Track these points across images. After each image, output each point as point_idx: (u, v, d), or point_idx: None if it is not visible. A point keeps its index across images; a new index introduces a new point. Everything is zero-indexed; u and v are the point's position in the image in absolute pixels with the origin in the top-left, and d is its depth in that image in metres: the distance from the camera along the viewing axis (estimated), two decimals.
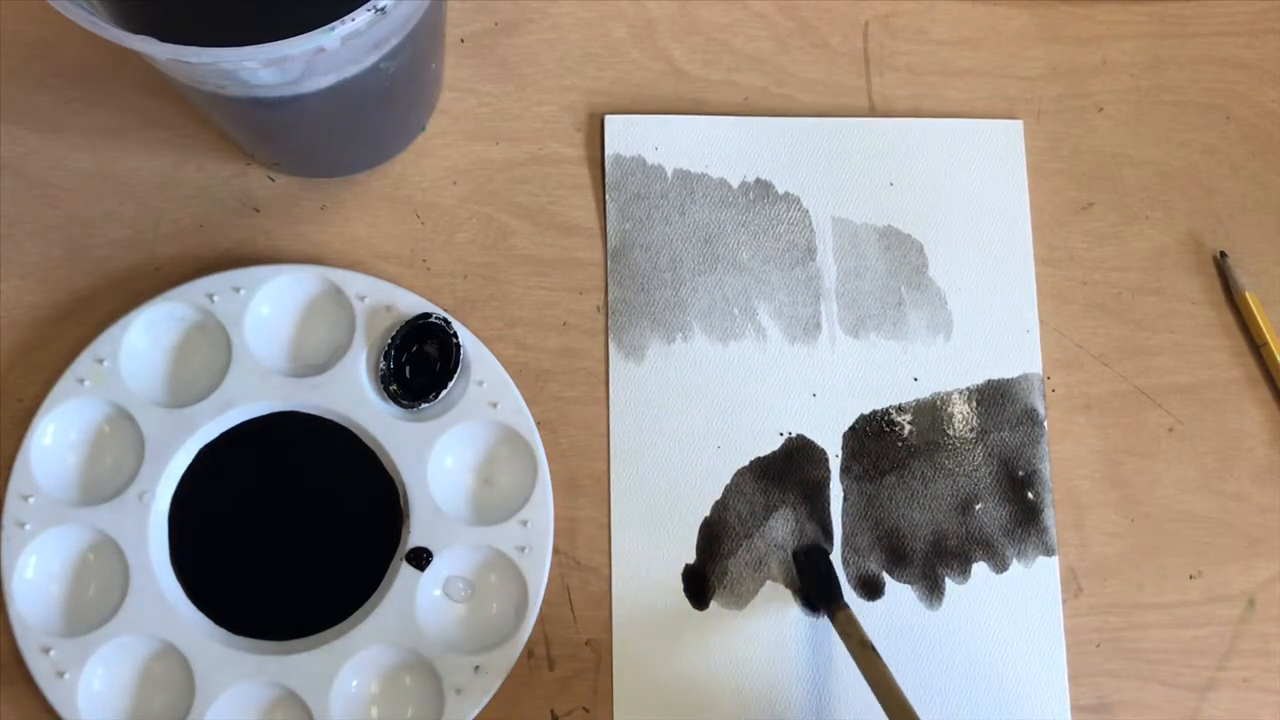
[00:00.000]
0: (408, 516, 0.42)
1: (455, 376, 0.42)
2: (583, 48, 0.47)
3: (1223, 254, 0.47)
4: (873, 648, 0.39)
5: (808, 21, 0.48)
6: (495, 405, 0.42)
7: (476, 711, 0.40)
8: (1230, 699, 0.43)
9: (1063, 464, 0.45)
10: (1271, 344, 0.46)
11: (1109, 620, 0.44)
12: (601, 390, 0.44)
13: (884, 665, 0.39)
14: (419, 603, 0.41)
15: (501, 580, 0.42)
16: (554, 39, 0.47)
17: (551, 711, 0.42)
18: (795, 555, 0.43)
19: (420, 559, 0.41)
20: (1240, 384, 0.46)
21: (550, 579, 0.42)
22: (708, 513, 0.44)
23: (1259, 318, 0.46)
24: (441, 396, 0.42)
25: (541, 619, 0.42)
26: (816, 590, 0.43)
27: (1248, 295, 0.46)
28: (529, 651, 0.42)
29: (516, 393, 0.43)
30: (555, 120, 0.46)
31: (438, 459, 0.42)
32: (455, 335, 0.42)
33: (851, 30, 0.48)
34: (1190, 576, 0.44)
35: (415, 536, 0.41)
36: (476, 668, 0.40)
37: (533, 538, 0.42)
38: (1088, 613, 0.44)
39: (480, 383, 0.43)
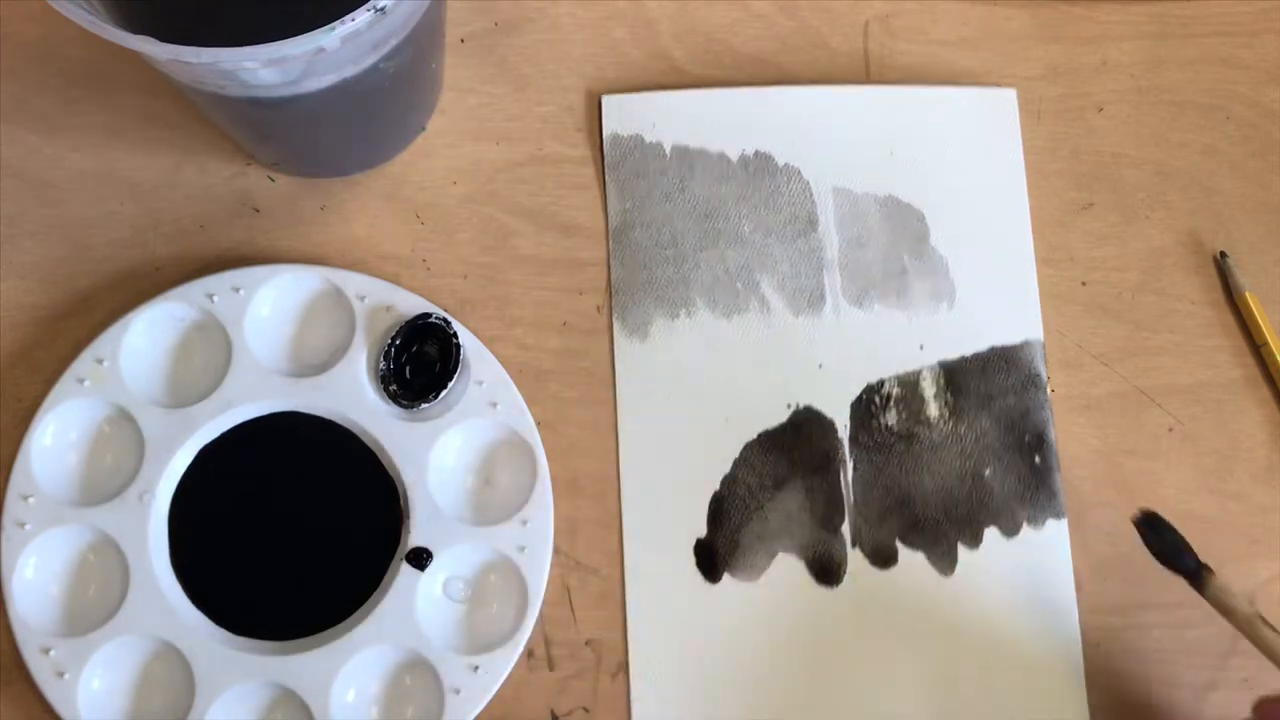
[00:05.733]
0: (408, 516, 0.42)
1: (455, 376, 0.42)
2: (583, 48, 0.47)
3: (1223, 254, 0.47)
4: (1260, 616, 0.39)
5: (808, 21, 0.48)
6: (495, 405, 0.42)
7: (476, 711, 0.40)
8: (1230, 699, 0.43)
9: (1063, 464, 0.45)
10: (1271, 344, 0.46)
11: (1109, 620, 0.44)
12: (602, 390, 0.44)
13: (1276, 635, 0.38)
14: (419, 603, 0.41)
15: (501, 580, 0.42)
16: (554, 39, 0.47)
17: (551, 711, 0.42)
18: (1137, 525, 0.41)
19: (420, 559, 0.41)
20: (1240, 384, 0.46)
21: (550, 579, 0.42)
22: (717, 486, 0.44)
23: (1259, 318, 0.46)
24: (441, 396, 0.42)
25: (541, 619, 0.42)
26: (1173, 558, 0.40)
27: (1248, 295, 0.46)
28: (529, 651, 0.42)
29: (516, 393, 0.43)
30: (555, 120, 0.46)
31: (438, 459, 0.42)
32: (455, 335, 0.42)
33: (851, 30, 0.48)
34: None
35: (415, 536, 0.41)
36: (476, 668, 0.40)
37: (533, 538, 0.42)
38: (1088, 613, 0.44)
39: (480, 383, 0.43)
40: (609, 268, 0.45)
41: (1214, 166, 0.48)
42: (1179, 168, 0.48)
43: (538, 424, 0.43)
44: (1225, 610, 0.40)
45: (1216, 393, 0.46)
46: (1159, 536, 0.41)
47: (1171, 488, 0.45)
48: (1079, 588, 0.44)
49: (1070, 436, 0.45)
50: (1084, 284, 0.47)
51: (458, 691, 0.40)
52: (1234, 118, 0.48)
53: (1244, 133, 0.48)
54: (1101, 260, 0.47)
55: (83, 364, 0.42)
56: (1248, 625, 0.39)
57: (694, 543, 0.43)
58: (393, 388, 0.42)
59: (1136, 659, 0.43)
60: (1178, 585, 0.44)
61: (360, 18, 0.30)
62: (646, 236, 0.45)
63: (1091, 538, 0.44)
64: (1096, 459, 0.45)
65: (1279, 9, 0.49)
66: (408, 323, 0.42)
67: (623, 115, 0.46)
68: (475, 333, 0.44)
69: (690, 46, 0.47)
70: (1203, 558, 0.44)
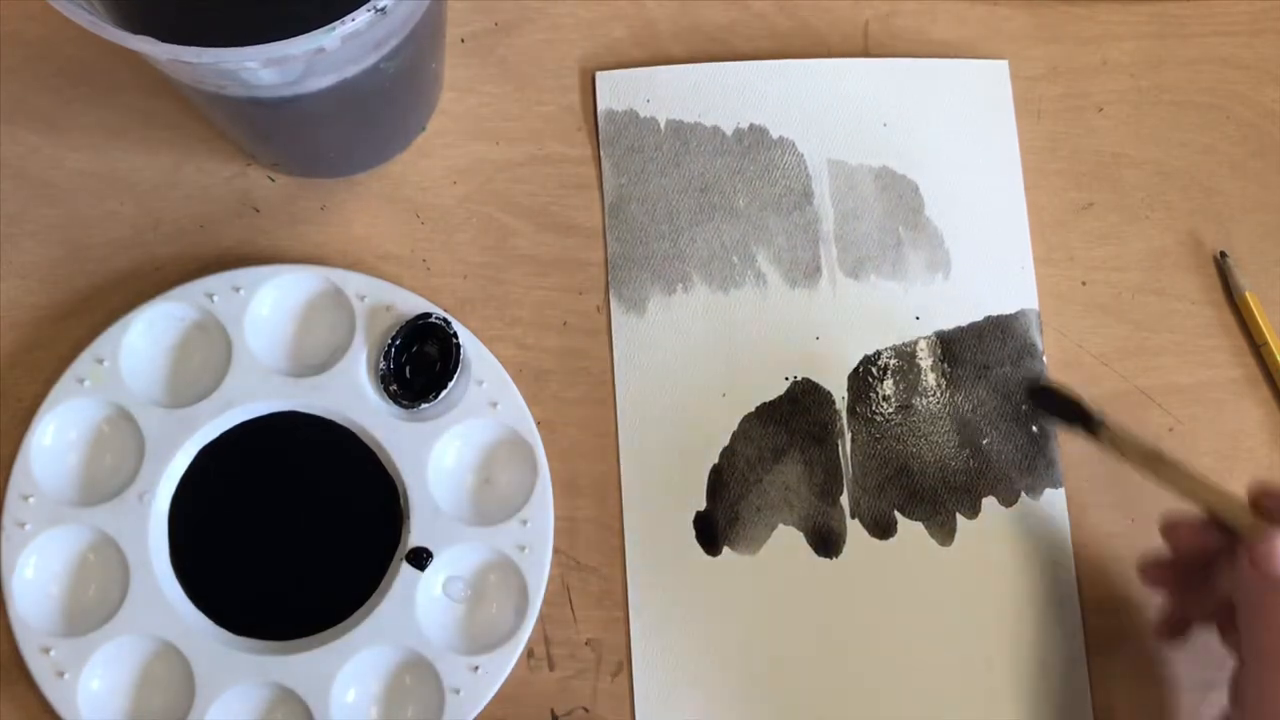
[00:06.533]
0: (408, 516, 0.42)
1: (455, 376, 0.42)
2: (583, 47, 0.47)
3: (1223, 254, 0.47)
4: (1159, 454, 0.40)
5: (807, 21, 0.48)
6: (495, 405, 0.42)
7: (476, 711, 0.40)
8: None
9: (1063, 465, 0.45)
10: (1271, 344, 0.46)
11: (1109, 621, 0.44)
12: (602, 390, 0.44)
13: (1181, 466, 0.39)
14: (419, 603, 0.41)
15: (501, 580, 0.42)
16: (554, 39, 0.47)
17: (551, 711, 0.42)
18: (1030, 394, 0.43)
19: (420, 559, 0.41)
20: (1240, 384, 0.46)
21: (550, 579, 0.42)
22: (715, 459, 0.44)
23: (1259, 318, 0.46)
24: (441, 396, 0.42)
25: (541, 619, 0.42)
26: (1069, 419, 0.42)
27: (1248, 295, 0.46)
28: (529, 651, 0.42)
29: (516, 393, 0.43)
30: (555, 120, 0.46)
31: (438, 459, 0.42)
32: (455, 335, 0.42)
33: (851, 30, 0.48)
34: None
35: (415, 536, 0.41)
36: (476, 668, 0.40)
37: (533, 538, 0.42)
38: (1088, 613, 0.43)
39: (480, 383, 0.43)
40: (606, 244, 0.45)
41: (1214, 166, 0.48)
42: (1179, 168, 0.48)
43: (538, 424, 0.43)
44: (1127, 450, 0.41)
45: (1216, 393, 0.46)
46: (1055, 401, 0.42)
47: None
48: (1080, 589, 0.44)
49: (1070, 437, 0.45)
50: (1084, 284, 0.47)
51: (458, 691, 0.40)
52: (1234, 118, 0.48)
53: (1244, 133, 0.48)
54: (1101, 260, 0.47)
55: (83, 364, 0.42)
56: (1152, 460, 0.40)
57: (694, 516, 0.43)
58: (393, 388, 0.42)
59: (1136, 659, 0.43)
60: None
61: (360, 18, 0.30)
62: (642, 211, 0.46)
63: (1091, 538, 0.44)
64: (1096, 459, 0.45)
65: (1279, 9, 0.49)
66: (408, 323, 0.42)
67: (616, 91, 0.46)
68: (475, 333, 0.44)
69: (690, 46, 0.47)
70: None
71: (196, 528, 0.42)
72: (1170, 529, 0.40)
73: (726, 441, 0.44)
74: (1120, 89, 0.48)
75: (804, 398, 0.45)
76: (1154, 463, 0.40)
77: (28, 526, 0.41)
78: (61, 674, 0.40)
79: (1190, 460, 0.45)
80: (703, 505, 0.44)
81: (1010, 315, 0.46)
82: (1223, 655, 0.40)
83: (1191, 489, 0.39)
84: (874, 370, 0.45)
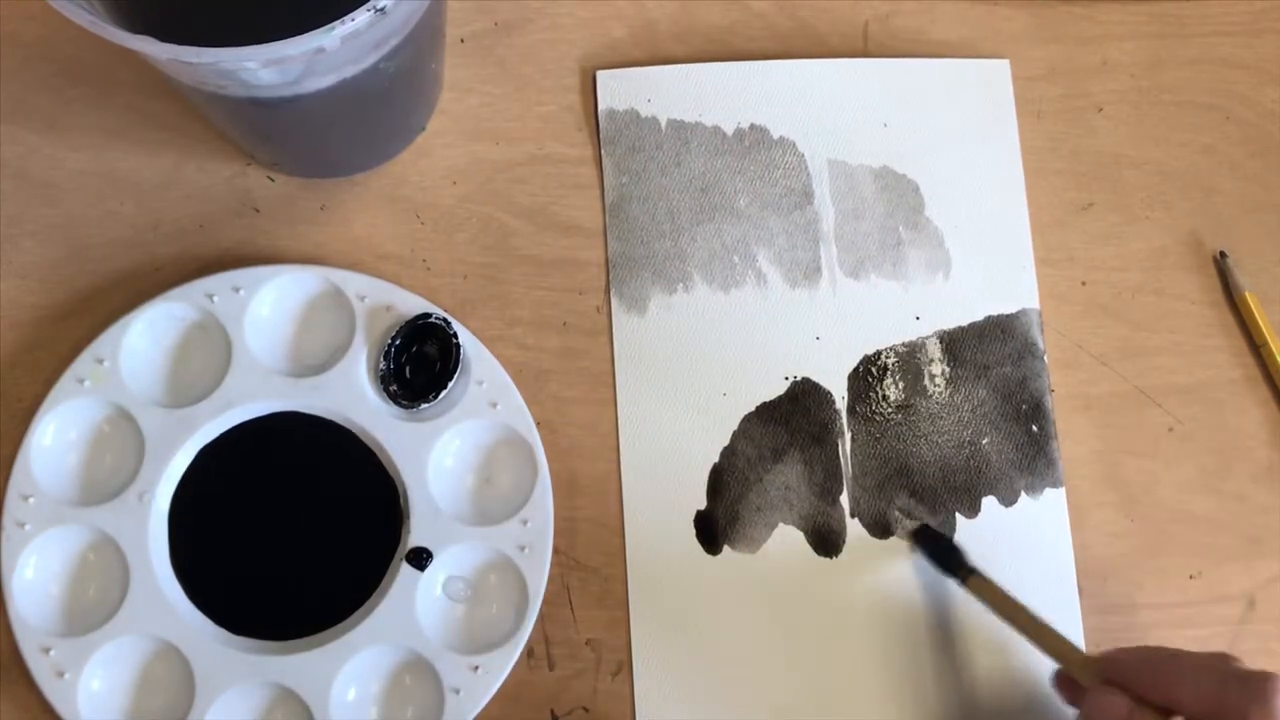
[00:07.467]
0: (408, 516, 0.42)
1: (455, 376, 0.42)
2: (583, 48, 0.47)
3: (1223, 254, 0.47)
4: (1013, 601, 0.40)
5: (807, 21, 0.48)
6: (495, 405, 0.42)
7: (476, 711, 0.40)
8: None
9: (1063, 465, 0.45)
10: (1271, 344, 0.46)
11: (1109, 620, 0.44)
12: (602, 390, 0.44)
13: (1040, 620, 0.39)
14: (419, 603, 0.41)
15: (501, 580, 0.42)
16: (554, 39, 0.47)
17: (551, 711, 0.42)
18: (913, 536, 0.43)
19: (420, 559, 0.41)
20: (1240, 384, 0.46)
21: (550, 579, 0.42)
22: (716, 459, 0.44)
23: (1259, 318, 0.46)
24: (441, 396, 0.42)
25: (541, 619, 0.42)
26: (942, 564, 0.43)
27: (1248, 295, 0.46)
28: (529, 651, 0.42)
29: (516, 393, 0.43)
30: (555, 120, 0.46)
31: (438, 459, 0.42)
32: (455, 335, 0.42)
33: (851, 30, 0.48)
34: (1190, 576, 0.44)
35: (415, 536, 0.41)
36: (476, 668, 0.40)
37: (533, 538, 0.42)
38: (1088, 613, 0.44)
39: (480, 383, 0.43)
40: (606, 244, 0.45)
41: (1214, 166, 0.48)
42: (1179, 168, 0.48)
43: (538, 424, 0.43)
44: (989, 600, 0.41)
45: (1216, 393, 0.46)
46: (935, 547, 0.43)
47: (1171, 488, 0.45)
48: (1080, 589, 0.44)
49: (1070, 436, 0.45)
50: (1084, 284, 0.47)
51: (458, 691, 0.40)
52: (1234, 118, 0.48)
53: (1244, 133, 0.48)
54: (1101, 260, 0.47)
55: (83, 364, 0.42)
56: (1012, 613, 0.40)
57: (694, 515, 0.43)
58: (393, 388, 0.42)
59: None
60: (1177, 585, 0.44)
61: (360, 18, 0.30)
62: (643, 211, 0.46)
63: (1091, 538, 0.44)
64: (1096, 459, 0.45)
65: (1279, 9, 0.49)
66: (408, 323, 0.42)
67: (617, 90, 0.46)
68: (475, 333, 0.44)
69: (690, 46, 0.47)
70: (1202, 557, 0.45)
71: (196, 528, 0.42)
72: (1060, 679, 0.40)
73: (727, 441, 0.44)
74: (1120, 89, 0.48)
75: (804, 397, 0.45)
76: (1014, 615, 0.40)
77: (28, 526, 0.40)
78: (61, 674, 0.40)
79: (1190, 460, 0.45)
80: (703, 504, 0.44)
81: (1011, 315, 0.46)
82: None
83: (1046, 643, 0.39)
84: (874, 370, 0.45)
